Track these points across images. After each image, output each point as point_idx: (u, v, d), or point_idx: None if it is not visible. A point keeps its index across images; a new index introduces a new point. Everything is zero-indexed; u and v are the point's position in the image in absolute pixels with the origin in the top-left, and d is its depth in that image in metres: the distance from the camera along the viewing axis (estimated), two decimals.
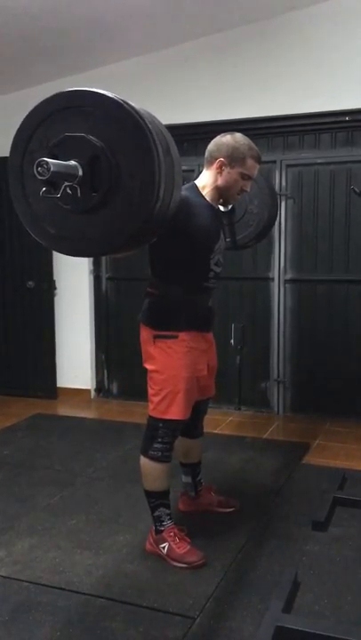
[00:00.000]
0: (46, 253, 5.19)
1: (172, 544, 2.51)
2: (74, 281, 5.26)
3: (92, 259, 5.20)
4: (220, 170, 2.51)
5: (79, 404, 5.18)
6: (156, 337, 2.49)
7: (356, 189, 4.02)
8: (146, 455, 2.53)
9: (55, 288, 5.29)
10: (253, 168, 2.53)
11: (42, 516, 2.99)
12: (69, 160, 1.83)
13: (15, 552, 2.63)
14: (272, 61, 4.45)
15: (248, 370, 4.87)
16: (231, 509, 2.98)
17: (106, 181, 1.84)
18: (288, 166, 4.60)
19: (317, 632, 1.98)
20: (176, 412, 2.49)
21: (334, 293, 4.59)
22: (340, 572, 2.46)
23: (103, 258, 5.22)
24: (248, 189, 2.59)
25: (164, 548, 2.52)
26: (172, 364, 2.47)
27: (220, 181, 2.53)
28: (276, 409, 4.82)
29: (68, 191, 1.84)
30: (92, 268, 5.26)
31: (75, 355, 5.34)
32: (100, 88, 1.97)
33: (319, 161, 4.53)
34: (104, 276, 5.29)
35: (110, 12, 3.97)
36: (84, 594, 2.31)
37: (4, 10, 3.78)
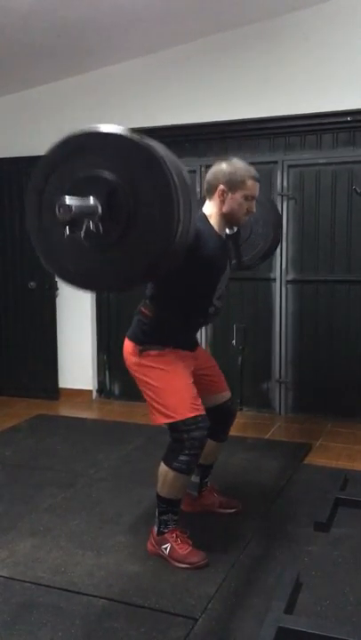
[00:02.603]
0: None
1: (174, 545, 2.51)
2: None
3: None
4: (222, 197, 2.54)
5: (81, 405, 5.18)
6: (141, 350, 2.51)
7: (357, 190, 4.03)
8: (170, 466, 2.48)
9: (57, 289, 5.28)
10: (254, 188, 2.56)
11: (44, 516, 2.99)
12: (88, 198, 1.82)
13: (17, 553, 2.63)
14: (273, 62, 4.45)
15: (250, 370, 4.87)
16: (233, 510, 2.98)
17: (125, 214, 1.84)
18: (290, 167, 4.60)
19: (319, 633, 1.98)
20: (184, 409, 2.46)
21: (336, 294, 4.59)
22: (342, 572, 2.45)
23: None
24: (254, 210, 2.61)
25: (166, 548, 2.52)
26: (161, 369, 2.49)
27: (224, 208, 2.55)
28: (277, 409, 4.81)
29: (91, 228, 1.83)
30: None
31: (76, 355, 5.34)
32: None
33: (321, 161, 4.53)
34: None
35: (110, 12, 3.97)
36: (86, 594, 2.31)
37: (4, 10, 3.78)
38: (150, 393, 2.52)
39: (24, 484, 3.41)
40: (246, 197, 2.53)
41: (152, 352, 2.50)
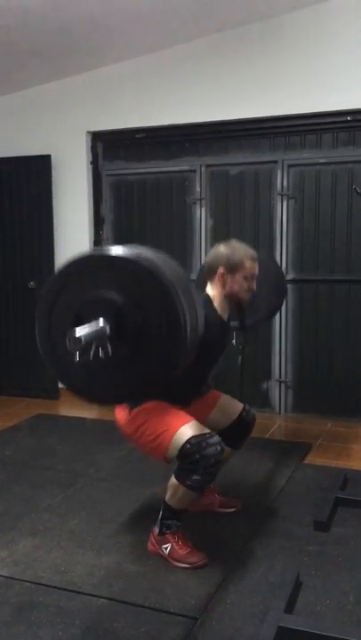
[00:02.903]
0: (48, 253, 5.19)
1: (174, 545, 2.51)
2: None
3: None
4: (222, 280, 2.61)
5: (81, 405, 5.08)
6: (131, 407, 2.51)
7: (357, 189, 4.02)
8: (182, 484, 2.40)
9: None
10: (253, 268, 2.64)
11: (44, 516, 2.99)
12: (96, 317, 1.84)
13: (17, 552, 2.63)
14: (274, 61, 4.45)
15: (250, 370, 4.85)
16: (233, 509, 2.98)
17: (133, 332, 1.86)
18: (290, 166, 4.60)
19: (319, 632, 1.98)
20: (187, 431, 2.37)
21: (336, 293, 4.59)
22: (342, 572, 2.45)
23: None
24: (255, 288, 2.68)
25: (166, 548, 2.52)
26: (150, 410, 2.47)
27: (226, 290, 2.62)
28: (277, 409, 4.82)
29: (100, 354, 1.85)
30: None
31: None
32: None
33: (321, 161, 4.53)
34: None
35: (111, 12, 3.97)
36: (86, 594, 2.31)
37: (4, 10, 3.78)
38: (147, 436, 2.47)
39: (24, 483, 3.41)
40: (246, 277, 2.62)
41: (141, 406, 2.49)
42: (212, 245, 4.81)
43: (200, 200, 4.84)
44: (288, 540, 2.71)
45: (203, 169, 4.81)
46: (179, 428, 2.38)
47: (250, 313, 3.13)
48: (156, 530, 2.57)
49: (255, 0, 4.15)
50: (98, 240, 5.22)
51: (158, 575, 2.43)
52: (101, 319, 1.84)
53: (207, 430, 2.42)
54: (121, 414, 2.59)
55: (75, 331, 1.76)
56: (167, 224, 4.99)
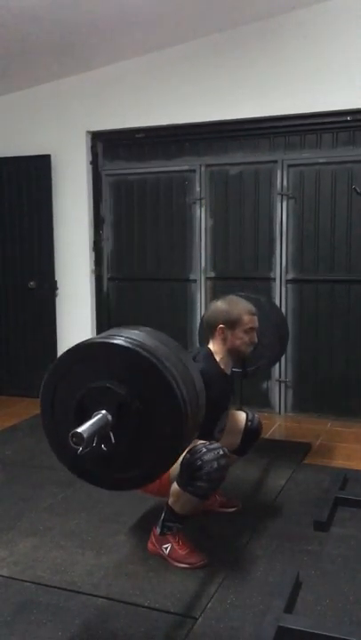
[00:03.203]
0: (48, 254, 5.19)
1: (174, 545, 2.51)
2: (75, 281, 5.26)
3: (93, 257, 5.21)
4: (223, 335, 2.65)
5: None
6: None
7: (357, 189, 4.02)
8: (184, 490, 2.36)
9: (57, 288, 5.29)
10: (252, 321, 2.68)
11: (44, 516, 2.99)
12: (99, 409, 1.83)
13: (17, 552, 2.63)
14: (273, 61, 4.45)
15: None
16: (233, 509, 2.99)
17: (135, 423, 1.85)
18: (289, 166, 4.60)
19: (319, 632, 1.98)
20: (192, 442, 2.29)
21: (336, 293, 4.59)
22: (341, 571, 2.45)
23: (105, 257, 5.23)
24: (256, 340, 2.71)
25: (166, 548, 2.52)
26: None
27: (227, 346, 2.66)
28: (277, 409, 4.82)
29: (103, 448, 1.83)
30: (93, 268, 5.26)
31: None
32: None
33: (321, 161, 4.53)
34: (105, 276, 5.29)
35: (110, 12, 3.97)
36: (86, 594, 2.31)
37: (5, 10, 3.78)
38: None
39: (24, 483, 3.41)
40: (246, 331, 2.65)
41: None
42: (212, 245, 4.85)
43: (200, 200, 4.84)
44: (288, 540, 2.71)
45: (202, 169, 4.81)
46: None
47: (253, 360, 3.16)
48: (157, 530, 2.57)
49: (255, 0, 4.15)
50: (98, 240, 5.22)
51: (158, 575, 2.43)
52: (103, 411, 1.83)
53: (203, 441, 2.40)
54: None
55: (77, 431, 1.74)
56: (167, 224, 4.99)
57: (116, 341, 1.90)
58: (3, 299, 5.48)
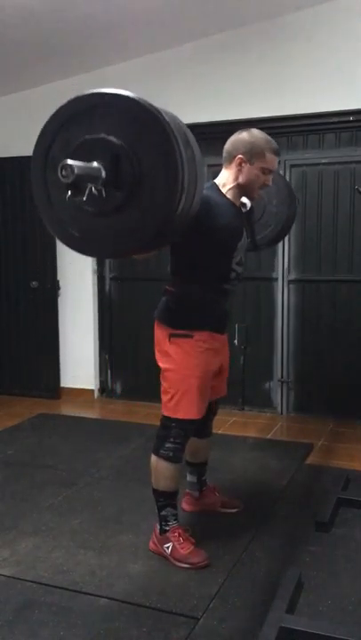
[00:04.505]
0: (50, 253, 5.19)
1: (176, 544, 2.51)
2: (77, 281, 5.26)
3: (95, 259, 5.20)
4: (240, 167, 2.48)
5: (82, 404, 5.18)
6: (171, 335, 2.48)
7: (359, 189, 4.02)
8: (157, 455, 2.54)
9: (59, 288, 5.29)
10: (273, 161, 2.51)
11: (45, 515, 2.99)
12: (92, 162, 1.81)
13: (19, 552, 2.64)
14: (275, 61, 4.44)
15: (252, 370, 4.86)
16: (235, 510, 2.98)
17: (129, 179, 1.81)
18: (292, 166, 4.60)
19: (321, 633, 1.98)
20: (189, 411, 2.48)
21: (338, 293, 4.59)
22: (343, 572, 2.45)
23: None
24: (270, 183, 2.57)
25: (167, 548, 2.52)
26: (186, 363, 2.47)
27: (241, 179, 2.50)
28: (279, 409, 4.81)
29: (94, 192, 1.81)
30: (95, 267, 5.26)
31: (78, 355, 5.34)
32: (101, 88, 1.97)
33: (323, 161, 4.52)
34: (108, 275, 5.29)
35: (112, 12, 3.97)
36: (88, 594, 2.31)
37: (4, 10, 3.78)
38: (165, 383, 2.52)
39: (26, 483, 3.41)
40: (264, 170, 2.49)
41: (182, 339, 2.46)
42: None
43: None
44: (290, 541, 2.71)
45: (205, 169, 4.80)
46: (183, 407, 2.47)
47: (259, 228, 3.04)
48: (158, 528, 2.57)
49: (257, 0, 4.15)
50: None
51: (160, 575, 2.43)
52: (95, 162, 1.79)
53: (200, 416, 2.53)
54: (160, 334, 2.53)
55: (67, 160, 1.71)
56: None
57: (119, 92, 1.85)
58: (5, 298, 5.49)
